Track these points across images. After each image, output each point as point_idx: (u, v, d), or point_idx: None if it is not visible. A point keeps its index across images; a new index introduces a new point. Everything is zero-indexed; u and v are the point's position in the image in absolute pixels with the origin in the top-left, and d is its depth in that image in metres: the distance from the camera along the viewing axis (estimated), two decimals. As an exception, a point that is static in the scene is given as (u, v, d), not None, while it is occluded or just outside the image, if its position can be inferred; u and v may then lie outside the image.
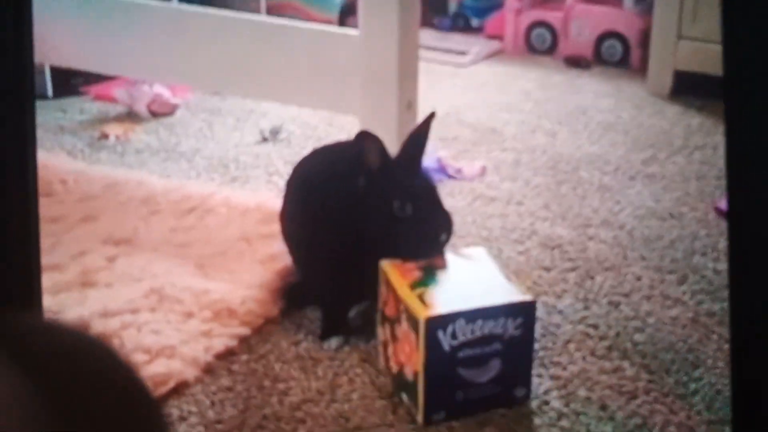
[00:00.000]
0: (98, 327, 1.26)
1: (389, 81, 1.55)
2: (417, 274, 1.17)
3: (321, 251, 1.28)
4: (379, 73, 1.58)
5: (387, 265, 1.19)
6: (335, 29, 1.85)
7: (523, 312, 1.15)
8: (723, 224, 1.69)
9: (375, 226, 1.21)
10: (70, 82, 2.28)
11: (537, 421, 1.16)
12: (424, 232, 1.20)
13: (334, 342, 1.28)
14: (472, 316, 1.12)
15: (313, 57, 1.69)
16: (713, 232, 1.67)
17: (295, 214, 1.36)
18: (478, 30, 2.91)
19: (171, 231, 1.57)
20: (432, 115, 1.26)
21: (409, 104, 1.59)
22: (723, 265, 1.54)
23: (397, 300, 1.15)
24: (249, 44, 1.77)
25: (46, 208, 1.60)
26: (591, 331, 1.35)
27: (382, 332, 1.22)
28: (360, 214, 1.22)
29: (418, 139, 1.25)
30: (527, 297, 1.17)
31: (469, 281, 1.19)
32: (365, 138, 1.22)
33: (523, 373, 1.18)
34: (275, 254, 1.47)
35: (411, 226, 1.19)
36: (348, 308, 1.33)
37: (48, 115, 2.15)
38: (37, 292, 1.03)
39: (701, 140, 2.11)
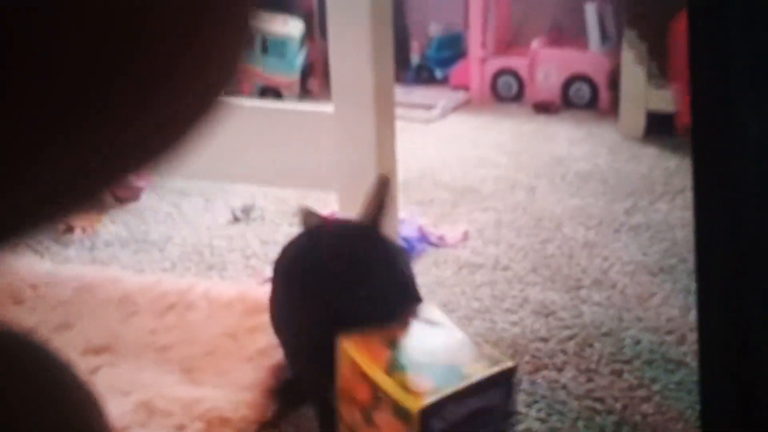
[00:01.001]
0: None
1: (367, 154, 1.55)
2: (386, 354, 1.16)
3: (305, 338, 1.26)
4: (356, 147, 1.57)
5: (348, 344, 1.18)
6: (308, 108, 1.85)
7: (506, 378, 1.14)
8: (715, 273, 1.70)
9: (348, 310, 1.19)
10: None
11: None
12: (385, 298, 1.19)
13: None
14: (461, 395, 1.11)
15: (283, 136, 1.68)
16: (706, 282, 1.67)
17: (281, 301, 1.34)
18: (442, 81, 2.94)
19: (152, 333, 1.54)
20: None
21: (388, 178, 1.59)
22: (720, 319, 1.55)
23: (373, 385, 1.13)
24: (215, 126, 1.76)
25: (18, 317, 1.58)
26: (598, 405, 1.35)
27: (347, 413, 1.20)
28: (334, 302, 1.20)
29: (378, 205, 1.24)
30: (508, 363, 1.16)
31: (442, 352, 1.18)
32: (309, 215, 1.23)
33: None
34: (264, 349, 1.45)
35: (375, 294, 1.18)
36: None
37: (8, 210, 2.11)
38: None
39: (681, 183, 2.13)
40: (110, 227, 2.03)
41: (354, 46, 1.54)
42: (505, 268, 1.77)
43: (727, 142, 0.96)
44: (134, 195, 2.17)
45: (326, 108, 1.65)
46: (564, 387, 1.39)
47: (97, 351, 1.49)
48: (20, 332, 0.56)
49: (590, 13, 2.62)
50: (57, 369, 0.54)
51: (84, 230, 2.00)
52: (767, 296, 0.97)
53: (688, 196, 2.04)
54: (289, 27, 2.83)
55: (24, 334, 0.55)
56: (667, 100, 2.35)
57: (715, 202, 1.00)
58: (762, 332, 0.98)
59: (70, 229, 2.01)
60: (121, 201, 2.15)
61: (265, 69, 2.85)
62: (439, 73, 2.93)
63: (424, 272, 1.76)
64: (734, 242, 0.98)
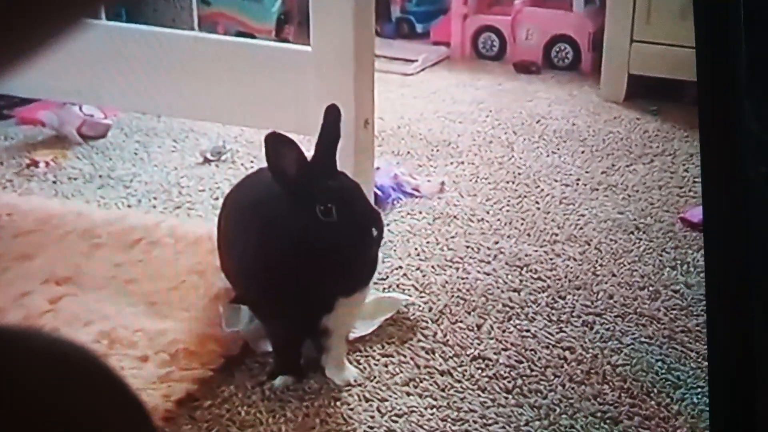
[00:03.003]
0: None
1: (345, 99, 1.54)
2: None
3: (259, 275, 1.26)
4: (333, 91, 1.56)
5: None
6: (286, 46, 1.84)
7: None
8: (690, 235, 1.72)
9: (303, 235, 1.18)
10: (-7, 105, 2.22)
11: (521, 454, 1.16)
12: (355, 233, 1.17)
13: (279, 381, 1.27)
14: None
15: (262, 75, 1.67)
16: (681, 243, 1.70)
17: (230, 243, 1.35)
18: (423, 36, 2.93)
19: (116, 266, 1.53)
20: (336, 111, 1.23)
21: (366, 122, 1.58)
22: (694, 279, 1.57)
23: None
24: (188, 62, 1.74)
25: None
26: (568, 354, 1.37)
27: None
28: (285, 226, 1.20)
29: (330, 137, 1.22)
30: None
31: None
32: (277, 142, 1.18)
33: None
34: (231, 287, 1.44)
35: (340, 229, 1.16)
36: (297, 343, 1.31)
37: (-31, 141, 2.09)
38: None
39: (660, 147, 2.15)
40: (75, 162, 2.01)
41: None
42: (481, 220, 1.77)
43: (732, 142, 0.97)
44: (102, 132, 2.15)
45: (304, 47, 1.64)
46: (534, 336, 1.41)
47: (60, 281, 1.49)
48: (79, 346, 0.55)
49: (576, -27, 2.62)
50: (112, 383, 0.55)
51: (48, 164, 1.98)
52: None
53: (666, 159, 2.07)
54: (268, -28, 2.81)
55: (82, 348, 0.55)
56: (649, 64, 2.36)
57: (721, 201, 1.02)
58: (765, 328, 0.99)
59: (33, 163, 1.98)
60: (88, 139, 2.13)
61: (240, 13, 2.82)
62: (419, 28, 2.93)
63: (398, 221, 1.77)
64: (741, 242, 0.99)
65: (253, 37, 2.78)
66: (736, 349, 1.05)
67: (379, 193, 1.79)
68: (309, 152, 1.22)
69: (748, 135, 0.95)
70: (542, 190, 1.91)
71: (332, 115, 1.22)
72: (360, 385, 1.28)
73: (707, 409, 1.24)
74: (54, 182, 1.91)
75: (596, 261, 1.63)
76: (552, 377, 1.31)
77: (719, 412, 1.08)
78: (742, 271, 1.00)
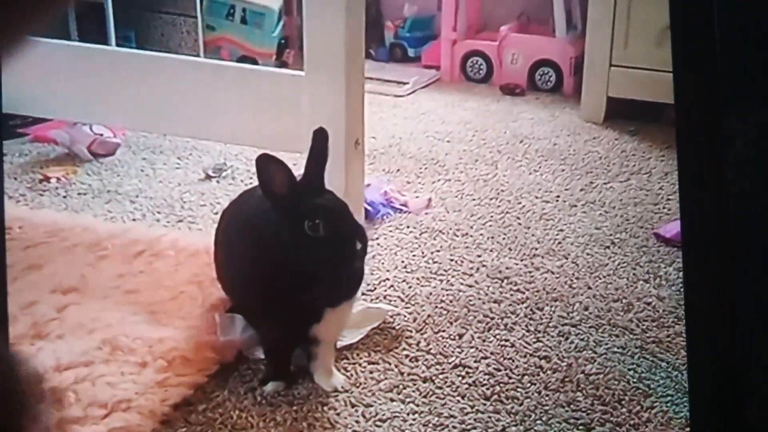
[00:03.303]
0: (52, 381, 1.22)
1: (336, 120, 1.54)
2: None
3: (252, 286, 1.26)
4: (325, 112, 1.57)
5: None
6: (280, 71, 1.84)
7: None
8: (663, 250, 1.72)
9: (291, 249, 1.19)
10: (8, 123, 2.22)
11: (497, 458, 1.16)
12: (341, 247, 1.18)
13: (270, 387, 1.27)
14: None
15: (257, 97, 1.67)
16: (654, 258, 1.70)
17: (226, 256, 1.35)
18: (414, 60, 2.94)
19: (119, 277, 1.53)
20: (324, 134, 1.24)
21: (356, 142, 1.58)
22: (666, 292, 1.57)
23: None
24: (192, 85, 1.75)
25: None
26: (544, 363, 1.36)
27: None
28: (276, 241, 1.20)
29: (318, 158, 1.23)
30: None
31: None
32: (269, 162, 1.18)
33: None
34: (228, 297, 1.44)
35: (326, 244, 1.17)
36: (288, 351, 1.31)
37: (-15, 158, 2.09)
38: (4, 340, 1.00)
39: (636, 165, 2.15)
40: (85, 178, 2.01)
41: (329, 14, 1.53)
42: (465, 235, 1.78)
43: (713, 156, 0.96)
44: (111, 150, 2.15)
45: (298, 72, 1.65)
46: (513, 345, 1.41)
47: (66, 291, 1.49)
48: None
49: (557, 2, 2.62)
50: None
51: (59, 180, 1.98)
52: (754, 305, 0.98)
53: (643, 177, 2.07)
54: (268, 0, 2.82)
55: None
56: (626, 86, 2.37)
57: (701, 213, 1.00)
58: (749, 341, 0.98)
59: (46, 179, 1.99)
60: (98, 156, 2.13)
61: (243, 38, 2.83)
62: (411, 52, 2.94)
63: (386, 235, 1.77)
64: (722, 253, 0.98)
65: (255, 61, 2.79)
66: (717, 364, 1.03)
67: (369, 208, 1.79)
68: (299, 168, 1.22)
69: (729, 149, 0.94)
70: (524, 206, 1.91)
71: (320, 137, 1.23)
72: (347, 391, 1.28)
73: (676, 416, 1.24)
74: (64, 197, 1.91)
75: (573, 274, 1.63)
76: (528, 385, 1.31)
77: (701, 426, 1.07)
78: (725, 286, 0.99)
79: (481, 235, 1.78)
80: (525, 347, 1.40)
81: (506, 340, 1.42)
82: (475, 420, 1.22)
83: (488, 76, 2.78)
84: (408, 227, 1.80)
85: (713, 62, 0.92)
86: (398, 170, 2.10)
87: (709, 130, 0.96)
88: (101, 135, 2.15)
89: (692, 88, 0.97)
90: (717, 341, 1.02)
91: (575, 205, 1.93)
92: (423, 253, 1.70)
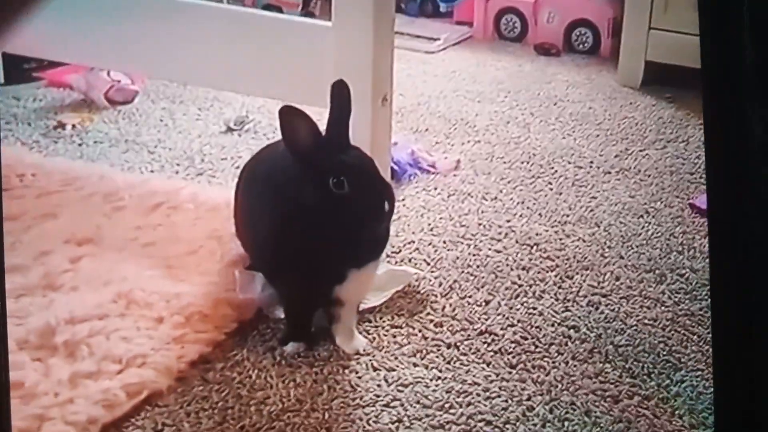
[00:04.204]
0: (65, 334, 1.23)
1: (363, 75, 1.53)
2: None
3: (272, 245, 1.26)
4: (352, 66, 1.55)
5: None
6: (307, 20, 1.82)
7: None
8: (698, 221, 1.71)
9: (315, 207, 1.18)
10: (23, 67, 2.23)
11: (522, 428, 1.16)
12: (367, 206, 1.16)
13: (290, 347, 1.27)
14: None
15: (282, 48, 1.66)
16: (689, 229, 1.68)
17: (246, 213, 1.35)
18: (446, 15, 2.91)
19: (136, 229, 1.54)
20: (343, 85, 1.21)
21: (384, 98, 1.57)
22: (700, 264, 1.56)
23: None
24: (214, 33, 1.73)
25: (3, 204, 1.57)
26: (572, 333, 1.36)
27: None
28: (298, 198, 1.19)
29: (341, 112, 1.21)
30: None
31: None
32: (292, 114, 1.16)
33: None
34: (247, 254, 1.44)
35: (351, 202, 1.16)
36: (309, 312, 1.31)
37: None
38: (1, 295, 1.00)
39: (673, 133, 2.13)
40: (101, 126, 2.01)
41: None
42: (494, 199, 1.77)
43: (737, 145, 0.96)
44: (129, 98, 2.15)
45: (325, 22, 1.63)
46: (541, 314, 1.40)
47: (80, 242, 1.49)
48: None
49: (600, -42, 2.59)
50: None
51: (74, 127, 1.98)
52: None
53: (680, 146, 2.05)
54: (296, -54, 2.79)
55: None
56: (666, 51, 2.34)
57: (727, 202, 1.00)
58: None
59: (60, 126, 1.99)
60: (115, 104, 2.13)
61: (268, -13, 2.81)
62: (443, 7, 2.90)
63: (413, 196, 1.76)
64: (746, 243, 0.98)
65: (280, 10, 2.76)
66: (741, 354, 1.03)
67: (395, 168, 1.78)
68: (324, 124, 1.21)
69: (751, 137, 0.93)
70: (556, 171, 1.90)
71: (340, 90, 1.21)
72: (368, 354, 1.28)
73: (706, 391, 1.24)
74: (80, 145, 1.92)
75: (605, 243, 1.62)
76: (556, 354, 1.31)
77: (723, 400, 1.07)
78: (749, 274, 0.99)
79: (511, 199, 1.77)
80: (553, 316, 1.40)
81: (534, 308, 1.41)
82: (499, 388, 1.23)
83: (523, 34, 2.74)
84: (435, 189, 1.79)
85: (741, 51, 0.92)
86: (426, 129, 2.08)
87: (733, 116, 0.96)
88: (119, 82, 2.14)
89: (719, 77, 0.97)
90: (741, 320, 1.02)
91: (609, 172, 1.91)
92: (450, 216, 1.69)
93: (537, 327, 1.37)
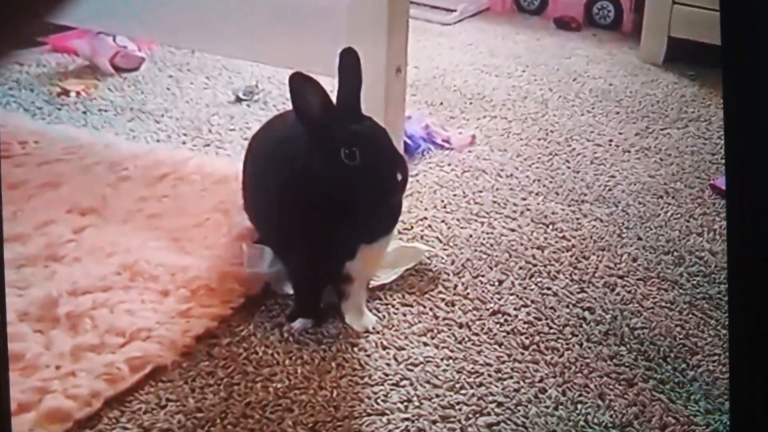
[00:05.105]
0: (67, 306, 1.24)
1: (378, 44, 1.52)
2: None
3: (281, 218, 1.26)
4: (366, 34, 1.55)
5: None
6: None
7: None
8: (718, 203, 1.71)
9: (326, 178, 1.17)
10: (26, 31, 2.22)
11: (533, 410, 1.17)
12: (379, 177, 1.15)
13: (298, 324, 1.28)
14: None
15: (294, 15, 1.65)
16: (709, 210, 1.68)
17: (255, 185, 1.35)
18: (463, -14, 2.90)
19: (141, 200, 1.54)
20: (353, 53, 1.20)
21: (398, 69, 1.56)
22: (719, 247, 1.56)
23: None
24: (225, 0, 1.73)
25: (4, 171, 1.58)
26: (587, 314, 1.36)
27: None
28: (308, 169, 1.18)
29: (351, 81, 1.19)
30: None
31: None
32: (303, 82, 1.15)
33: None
34: (255, 228, 1.45)
35: (363, 173, 1.15)
36: (318, 288, 1.31)
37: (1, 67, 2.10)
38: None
39: (695, 112, 2.12)
40: (106, 94, 2.01)
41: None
42: (509, 176, 1.76)
43: (757, 126, 0.95)
44: (135, 65, 2.15)
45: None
46: (555, 294, 1.41)
47: (84, 212, 1.50)
48: None
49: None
50: None
51: (78, 94, 1.99)
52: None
53: (701, 125, 2.04)
54: None
55: None
56: (689, 27, 2.32)
57: (745, 198, 1.00)
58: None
59: (64, 92, 1.99)
60: (120, 71, 2.13)
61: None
62: (460, -22, 2.90)
63: (426, 171, 1.76)
64: (765, 226, 0.97)
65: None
66: (759, 328, 1.03)
67: (409, 142, 1.78)
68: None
69: None
70: (574, 149, 1.90)
71: (349, 58, 1.19)
72: (378, 332, 1.29)
73: (722, 376, 1.24)
74: (84, 113, 1.92)
75: (622, 223, 1.62)
76: (570, 336, 1.31)
77: (740, 387, 1.07)
78: (764, 255, 0.99)
79: (527, 177, 1.77)
80: (568, 297, 1.40)
81: (548, 289, 1.42)
82: (512, 369, 1.23)
83: (542, 7, 2.73)
84: (449, 165, 1.79)
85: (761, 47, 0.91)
86: (441, 103, 2.08)
87: (755, 92, 0.95)
88: (125, 48, 2.14)
89: (741, 67, 0.96)
90: (759, 308, 1.02)
91: (629, 151, 1.90)
92: (464, 192, 1.69)
93: (551, 308, 1.37)
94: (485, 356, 1.25)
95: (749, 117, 0.98)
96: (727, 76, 1.00)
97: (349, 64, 1.19)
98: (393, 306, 1.35)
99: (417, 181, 1.71)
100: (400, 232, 1.52)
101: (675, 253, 1.54)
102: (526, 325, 1.33)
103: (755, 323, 1.03)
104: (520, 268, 1.46)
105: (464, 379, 1.21)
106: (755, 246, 1.00)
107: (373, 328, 1.29)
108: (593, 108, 2.10)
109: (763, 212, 0.98)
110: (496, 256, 1.49)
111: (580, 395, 1.20)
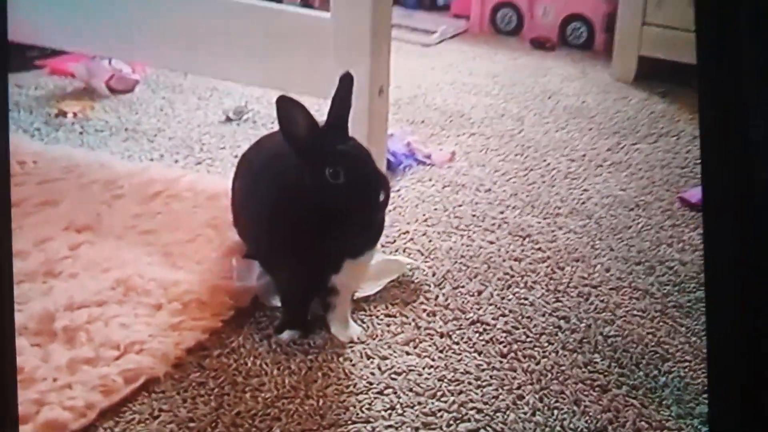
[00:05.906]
0: (64, 320, 1.23)
1: (361, 65, 1.52)
2: None
3: (269, 233, 1.26)
4: (350, 56, 1.55)
5: None
6: (306, 11, 1.82)
7: None
8: (687, 214, 1.71)
9: (311, 196, 1.17)
10: (25, 55, 2.22)
11: (512, 416, 1.16)
12: (362, 196, 1.15)
13: (285, 335, 1.27)
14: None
15: (281, 38, 1.65)
16: (678, 222, 1.69)
17: (243, 201, 1.34)
18: (443, 9, 2.91)
19: (135, 217, 1.53)
20: (349, 77, 1.21)
21: (381, 90, 1.56)
22: (689, 257, 1.56)
23: None
24: (214, 23, 1.73)
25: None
26: (562, 323, 1.36)
27: None
28: (295, 187, 1.18)
29: (342, 103, 1.20)
30: None
31: None
32: (289, 104, 1.16)
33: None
34: (244, 243, 1.44)
35: (347, 192, 1.15)
36: (305, 300, 1.31)
37: (2, 90, 2.08)
38: (8, 280, 1.00)
39: (665, 127, 2.13)
40: (102, 115, 2.01)
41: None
42: (488, 190, 1.76)
43: (736, 145, 0.95)
44: (129, 87, 2.15)
45: (323, 13, 1.62)
46: (532, 304, 1.40)
47: (80, 229, 1.49)
48: None
49: (595, -46, 2.58)
50: None
51: (75, 115, 1.98)
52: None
53: (671, 140, 2.05)
54: (296, -62, 2.78)
55: None
56: (659, 46, 2.34)
57: (724, 203, 0.99)
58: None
59: (62, 114, 1.98)
60: (115, 92, 2.12)
61: (268, -22, 2.79)
62: (440, 1, 2.91)
63: (408, 187, 1.76)
64: (743, 243, 0.97)
65: (279, 0, 2.75)
66: (737, 335, 1.02)
67: (391, 159, 1.78)
68: (323, 115, 1.20)
69: (751, 141, 0.93)
70: (549, 164, 1.90)
71: (346, 82, 1.20)
72: (363, 342, 1.28)
73: (693, 382, 1.24)
74: (81, 133, 1.91)
75: (596, 235, 1.62)
76: (546, 344, 1.31)
77: (718, 397, 1.06)
78: (747, 275, 0.98)
79: (504, 191, 1.77)
80: (544, 306, 1.40)
81: (525, 299, 1.41)
82: (490, 377, 1.23)
83: (518, 28, 2.74)
84: (430, 180, 1.79)
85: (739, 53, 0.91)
86: (422, 121, 2.08)
87: (732, 119, 0.95)
88: (120, 71, 2.14)
89: (718, 81, 0.96)
90: (737, 314, 1.01)
91: (601, 165, 1.91)
92: (444, 207, 1.69)
93: (528, 317, 1.37)
94: (465, 364, 1.25)
95: (724, 129, 0.98)
96: (702, 89, 0.99)
97: (344, 88, 1.20)
98: (377, 317, 1.34)
99: (399, 196, 1.71)
100: (383, 246, 1.51)
101: (646, 263, 1.54)
102: (504, 334, 1.32)
103: (734, 332, 1.03)
104: (498, 279, 1.46)
105: (445, 387, 1.20)
106: (732, 253, 1.00)
107: (358, 338, 1.29)
108: (567, 124, 2.11)
109: (739, 224, 0.98)
110: (476, 267, 1.49)
111: (556, 401, 1.19)
